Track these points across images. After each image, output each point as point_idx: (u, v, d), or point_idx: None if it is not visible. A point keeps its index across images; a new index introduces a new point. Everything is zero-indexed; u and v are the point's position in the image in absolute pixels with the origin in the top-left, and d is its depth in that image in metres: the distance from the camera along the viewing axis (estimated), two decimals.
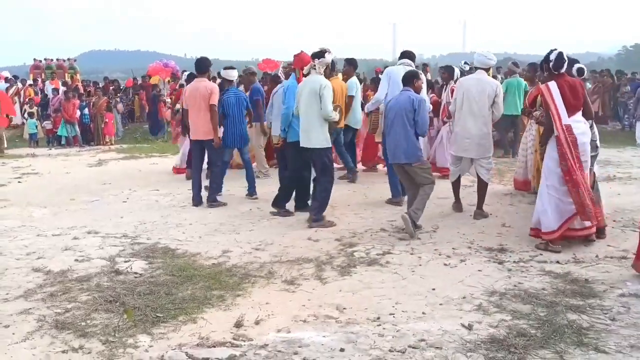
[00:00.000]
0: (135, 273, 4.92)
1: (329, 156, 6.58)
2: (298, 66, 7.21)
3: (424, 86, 7.11)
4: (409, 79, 6.35)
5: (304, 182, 7.01)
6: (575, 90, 5.34)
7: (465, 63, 9.59)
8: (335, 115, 6.51)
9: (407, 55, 7.66)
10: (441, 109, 8.95)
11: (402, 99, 6.18)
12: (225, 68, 8.53)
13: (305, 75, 6.71)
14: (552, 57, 5.35)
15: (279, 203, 7.07)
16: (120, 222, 6.79)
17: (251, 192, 8.12)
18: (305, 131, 6.47)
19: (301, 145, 6.56)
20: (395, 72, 7.26)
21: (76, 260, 5.29)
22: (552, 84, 5.30)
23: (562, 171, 5.23)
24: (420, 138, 6.32)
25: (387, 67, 8.90)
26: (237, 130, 7.94)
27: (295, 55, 7.43)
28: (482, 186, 6.75)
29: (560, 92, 5.28)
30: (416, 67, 8.18)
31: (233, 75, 8.34)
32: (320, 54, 6.60)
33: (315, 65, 6.53)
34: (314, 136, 6.41)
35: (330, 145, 6.56)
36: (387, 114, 6.35)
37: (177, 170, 10.22)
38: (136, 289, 4.51)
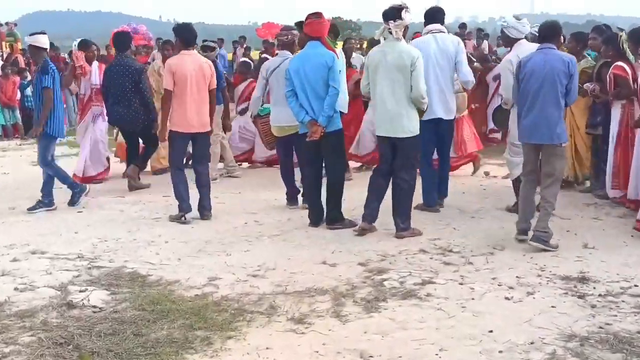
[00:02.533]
0: (94, 307, 4.96)
1: (419, 147, 6.70)
2: (321, 34, 6.89)
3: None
4: (552, 33, 6.21)
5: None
6: None
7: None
8: (426, 100, 6.53)
9: (433, 16, 7.39)
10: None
11: (552, 60, 6.03)
12: (32, 34, 8.40)
13: (370, 44, 6.67)
14: None
15: (319, 218, 7.14)
16: (74, 239, 6.86)
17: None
18: (392, 116, 6.52)
19: (382, 134, 6.66)
20: (421, 46, 7.07)
21: (16, 289, 5.34)
22: None
23: None
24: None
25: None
26: (62, 115, 8.39)
27: (322, 20, 6.97)
28: None
29: None
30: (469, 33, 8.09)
31: (45, 41, 8.37)
32: (395, 13, 6.39)
33: (390, 29, 6.41)
34: (406, 122, 6.49)
35: (419, 132, 6.62)
36: (527, 79, 6.11)
37: (84, 179, 9.46)
38: (95, 327, 4.54)
